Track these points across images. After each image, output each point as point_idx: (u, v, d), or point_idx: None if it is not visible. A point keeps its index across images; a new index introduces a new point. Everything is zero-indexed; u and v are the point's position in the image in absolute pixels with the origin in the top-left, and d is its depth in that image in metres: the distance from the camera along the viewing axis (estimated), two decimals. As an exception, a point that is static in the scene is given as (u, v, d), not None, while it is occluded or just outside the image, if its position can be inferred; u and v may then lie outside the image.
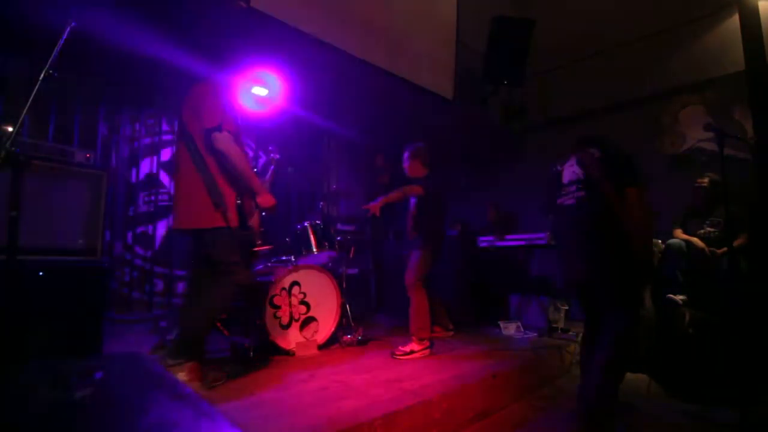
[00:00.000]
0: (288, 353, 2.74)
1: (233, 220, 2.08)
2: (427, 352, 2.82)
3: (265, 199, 2.24)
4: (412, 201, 3.16)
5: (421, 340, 2.81)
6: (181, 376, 1.93)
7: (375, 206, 2.85)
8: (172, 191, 3.72)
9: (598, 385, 1.86)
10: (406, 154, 3.18)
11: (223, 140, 2.02)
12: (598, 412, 1.83)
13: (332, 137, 5.06)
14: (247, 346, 2.61)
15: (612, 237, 1.94)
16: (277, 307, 2.78)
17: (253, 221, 2.53)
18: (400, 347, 2.78)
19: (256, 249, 2.89)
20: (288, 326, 2.82)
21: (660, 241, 3.23)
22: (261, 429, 1.56)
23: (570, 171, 2.19)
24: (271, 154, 3.28)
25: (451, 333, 3.55)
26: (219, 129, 2.02)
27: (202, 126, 2.04)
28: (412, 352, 2.76)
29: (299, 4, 3.15)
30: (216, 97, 2.10)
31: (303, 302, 2.93)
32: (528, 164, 5.18)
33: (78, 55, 2.33)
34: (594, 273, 2.00)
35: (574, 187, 2.14)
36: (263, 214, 2.29)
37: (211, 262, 2.10)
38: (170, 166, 3.71)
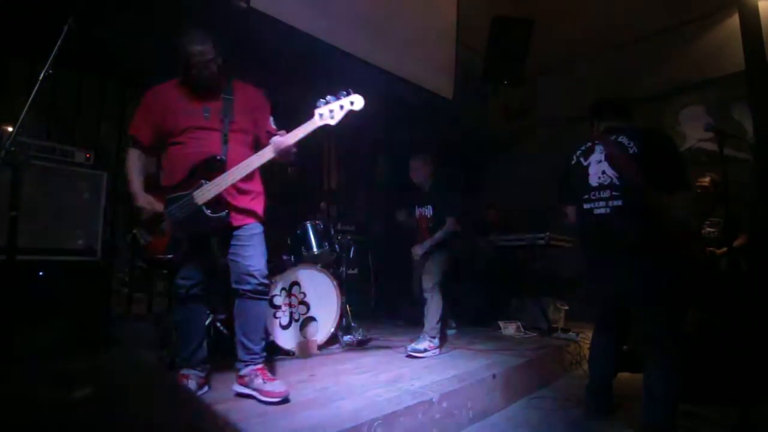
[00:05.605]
0: (288, 353, 2.73)
1: None
2: (437, 351, 2.82)
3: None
4: (429, 209, 3.15)
5: (432, 339, 2.81)
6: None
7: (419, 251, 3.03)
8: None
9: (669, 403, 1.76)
10: (418, 162, 3.17)
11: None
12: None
13: (332, 137, 5.05)
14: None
15: (661, 249, 1.69)
16: (277, 308, 2.78)
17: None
18: (413, 345, 2.77)
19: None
20: (288, 326, 2.81)
21: None
22: (260, 429, 1.56)
23: (598, 170, 1.87)
24: None
25: (453, 332, 3.55)
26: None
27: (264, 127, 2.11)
28: (425, 350, 2.74)
29: (299, 4, 3.15)
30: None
31: (303, 302, 2.93)
32: (528, 164, 5.18)
33: (78, 53, 2.32)
34: (645, 290, 1.79)
35: (607, 193, 1.83)
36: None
37: None
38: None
